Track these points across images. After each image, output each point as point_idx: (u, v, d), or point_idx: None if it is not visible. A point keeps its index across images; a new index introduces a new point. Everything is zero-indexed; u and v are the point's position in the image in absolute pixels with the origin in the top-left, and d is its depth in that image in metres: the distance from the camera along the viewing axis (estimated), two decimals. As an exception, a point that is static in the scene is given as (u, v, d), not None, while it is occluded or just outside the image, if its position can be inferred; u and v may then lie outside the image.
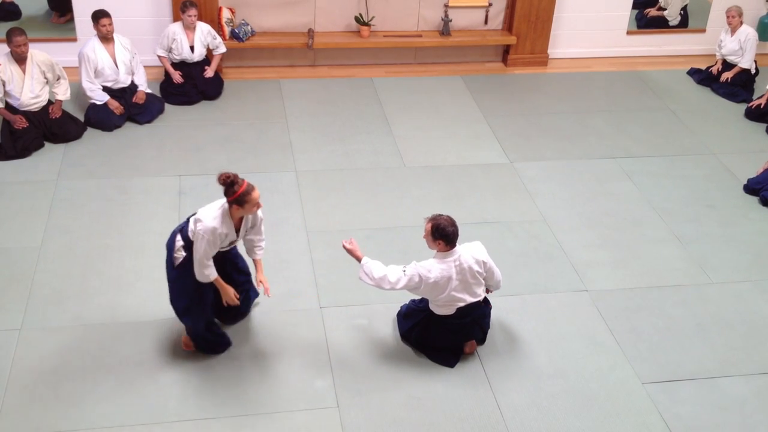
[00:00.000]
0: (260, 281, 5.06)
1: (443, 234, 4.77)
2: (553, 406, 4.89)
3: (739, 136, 8.04)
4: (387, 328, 5.39)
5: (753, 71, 8.78)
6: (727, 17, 8.69)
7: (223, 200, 4.67)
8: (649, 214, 6.75)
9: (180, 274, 4.82)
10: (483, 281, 5.03)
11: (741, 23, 8.67)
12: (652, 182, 7.18)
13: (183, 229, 4.80)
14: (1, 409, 4.65)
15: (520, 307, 5.64)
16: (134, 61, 7.66)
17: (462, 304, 4.97)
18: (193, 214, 4.77)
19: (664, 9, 9.53)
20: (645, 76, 9.17)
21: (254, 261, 5.10)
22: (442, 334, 5.09)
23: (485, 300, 5.17)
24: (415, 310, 5.25)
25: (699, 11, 9.57)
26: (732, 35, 8.71)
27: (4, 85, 6.92)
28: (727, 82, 8.76)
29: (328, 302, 5.59)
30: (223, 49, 8.17)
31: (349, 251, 4.95)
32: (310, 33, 8.63)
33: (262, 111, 7.99)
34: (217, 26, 8.32)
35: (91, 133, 7.42)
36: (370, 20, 8.75)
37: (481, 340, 5.26)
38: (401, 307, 5.40)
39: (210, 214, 4.64)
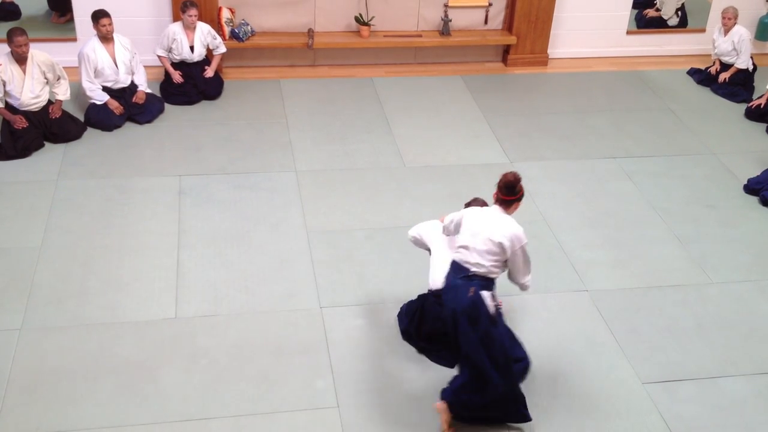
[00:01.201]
0: None
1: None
2: (553, 406, 4.89)
3: (739, 136, 8.04)
4: (387, 328, 5.39)
5: (750, 68, 8.78)
6: (723, 18, 8.68)
7: (488, 208, 4.59)
8: (649, 214, 6.75)
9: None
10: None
11: (735, 24, 8.66)
12: (652, 182, 7.18)
13: (474, 287, 4.43)
14: (1, 409, 4.65)
15: (520, 307, 5.64)
16: (134, 61, 7.66)
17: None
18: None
19: (660, 10, 9.54)
20: (645, 76, 9.17)
21: None
22: (436, 320, 4.97)
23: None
24: (413, 303, 5.28)
25: (698, 11, 9.57)
26: (725, 36, 8.70)
27: (4, 85, 6.92)
28: (726, 83, 8.76)
29: (328, 302, 5.58)
30: (223, 49, 8.17)
31: None
32: (310, 33, 8.63)
33: (262, 111, 7.99)
34: (217, 26, 8.32)
35: (91, 133, 7.42)
36: (370, 20, 8.75)
37: None
38: (401, 306, 5.41)
39: (512, 224, 4.54)
